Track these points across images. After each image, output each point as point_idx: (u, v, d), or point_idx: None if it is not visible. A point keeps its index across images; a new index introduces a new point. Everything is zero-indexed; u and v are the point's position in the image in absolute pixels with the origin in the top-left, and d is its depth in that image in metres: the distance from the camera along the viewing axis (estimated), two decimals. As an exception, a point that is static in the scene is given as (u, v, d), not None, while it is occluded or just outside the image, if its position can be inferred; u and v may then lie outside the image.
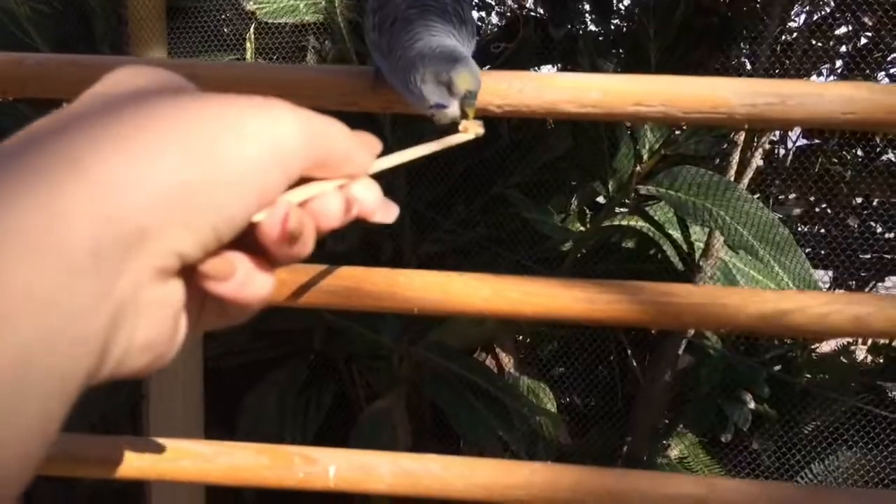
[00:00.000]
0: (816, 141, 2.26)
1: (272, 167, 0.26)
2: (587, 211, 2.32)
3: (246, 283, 0.27)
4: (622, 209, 2.20)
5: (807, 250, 2.51)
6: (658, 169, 2.01)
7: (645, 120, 0.44)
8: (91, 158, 0.23)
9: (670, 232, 2.15)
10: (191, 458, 0.50)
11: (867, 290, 2.63)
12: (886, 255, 2.44)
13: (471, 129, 0.39)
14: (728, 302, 0.46)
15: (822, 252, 2.41)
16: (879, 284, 2.61)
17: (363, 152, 0.29)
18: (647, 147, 2.00)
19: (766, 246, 1.81)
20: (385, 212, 0.30)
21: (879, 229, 2.43)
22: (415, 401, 2.16)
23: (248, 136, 0.25)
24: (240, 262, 0.26)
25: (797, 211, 2.20)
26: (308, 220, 0.27)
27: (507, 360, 2.39)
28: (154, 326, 0.25)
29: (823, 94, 0.44)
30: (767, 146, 2.40)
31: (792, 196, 2.34)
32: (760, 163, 2.44)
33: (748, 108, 0.44)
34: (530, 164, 2.06)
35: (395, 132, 2.04)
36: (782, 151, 2.35)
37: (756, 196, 2.12)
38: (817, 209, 2.50)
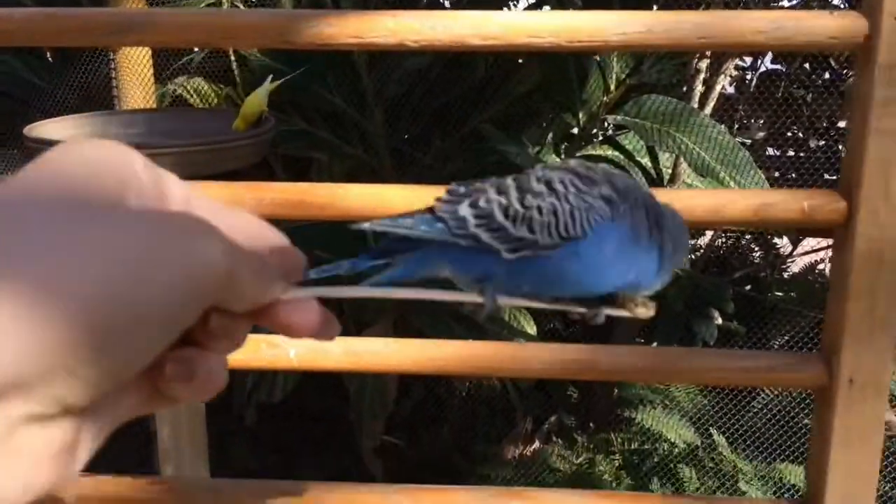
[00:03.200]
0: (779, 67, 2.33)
1: (191, 305, 0.23)
2: (562, 143, 2.39)
3: (208, 378, 0.25)
4: (596, 139, 2.28)
5: (775, 174, 2.60)
6: (626, 99, 2.08)
7: (538, 49, 0.53)
8: None
9: (640, 160, 2.23)
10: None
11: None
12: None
13: (629, 307, 0.38)
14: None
15: (791, 175, 2.51)
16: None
17: (277, 282, 0.27)
18: (613, 78, 2.07)
19: (727, 168, 1.89)
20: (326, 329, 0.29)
21: (844, 150, 2.52)
22: (402, 329, 2.28)
23: (171, 269, 0.22)
24: (199, 362, 0.25)
25: (761, 135, 2.28)
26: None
27: (490, 289, 2.50)
28: (31, 469, 0.22)
29: (681, 22, 0.53)
30: (735, 72, 2.47)
31: (761, 122, 2.42)
32: (730, 90, 2.51)
33: (620, 36, 0.53)
34: (502, 98, 2.13)
35: (370, 72, 2.11)
36: (749, 77, 2.42)
37: (723, 122, 2.20)
38: (789, 133, 2.58)
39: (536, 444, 2.38)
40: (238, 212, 0.29)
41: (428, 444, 2.40)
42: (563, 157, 2.30)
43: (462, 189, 0.42)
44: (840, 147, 2.48)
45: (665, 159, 2.20)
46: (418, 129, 2.20)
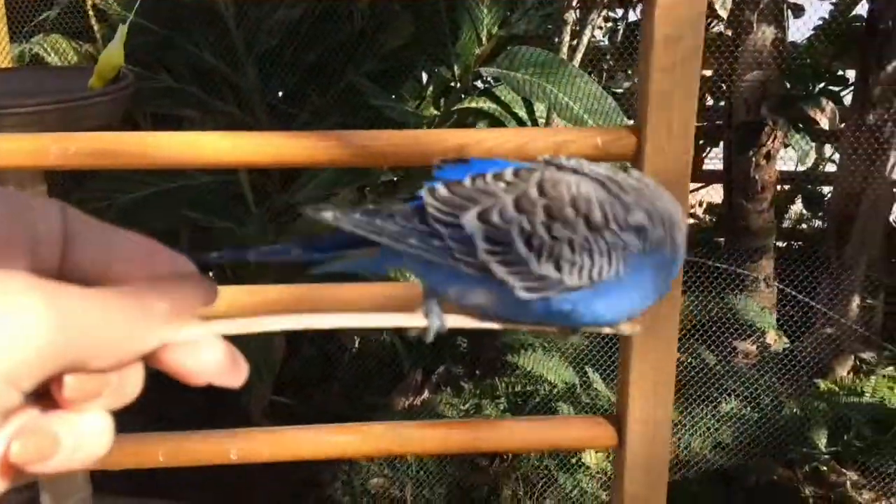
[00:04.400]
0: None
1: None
2: (441, 97, 2.40)
3: (80, 445, 0.22)
4: (474, 92, 2.31)
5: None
6: (500, 51, 2.11)
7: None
8: None
9: (517, 111, 2.27)
10: None
11: (703, 155, 2.88)
12: (717, 123, 2.66)
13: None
14: (424, 140, 0.58)
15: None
16: (714, 149, 2.86)
17: (164, 324, 0.23)
18: (485, 30, 2.09)
19: (595, 116, 1.95)
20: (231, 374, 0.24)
21: (710, 100, 2.64)
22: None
23: None
24: (64, 431, 0.21)
25: (627, 84, 2.36)
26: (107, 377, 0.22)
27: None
28: None
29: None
30: (608, 24, 2.54)
31: (629, 71, 2.50)
32: (605, 42, 2.57)
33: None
34: (376, 52, 2.12)
35: (238, 25, 2.05)
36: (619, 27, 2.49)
37: (593, 73, 2.26)
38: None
39: (426, 394, 2.43)
40: (131, 237, 0.25)
41: (319, 402, 2.41)
42: (441, 110, 2.31)
43: (468, 182, 0.32)
44: (706, 94, 2.60)
45: (540, 110, 2.25)
46: (293, 84, 2.16)
